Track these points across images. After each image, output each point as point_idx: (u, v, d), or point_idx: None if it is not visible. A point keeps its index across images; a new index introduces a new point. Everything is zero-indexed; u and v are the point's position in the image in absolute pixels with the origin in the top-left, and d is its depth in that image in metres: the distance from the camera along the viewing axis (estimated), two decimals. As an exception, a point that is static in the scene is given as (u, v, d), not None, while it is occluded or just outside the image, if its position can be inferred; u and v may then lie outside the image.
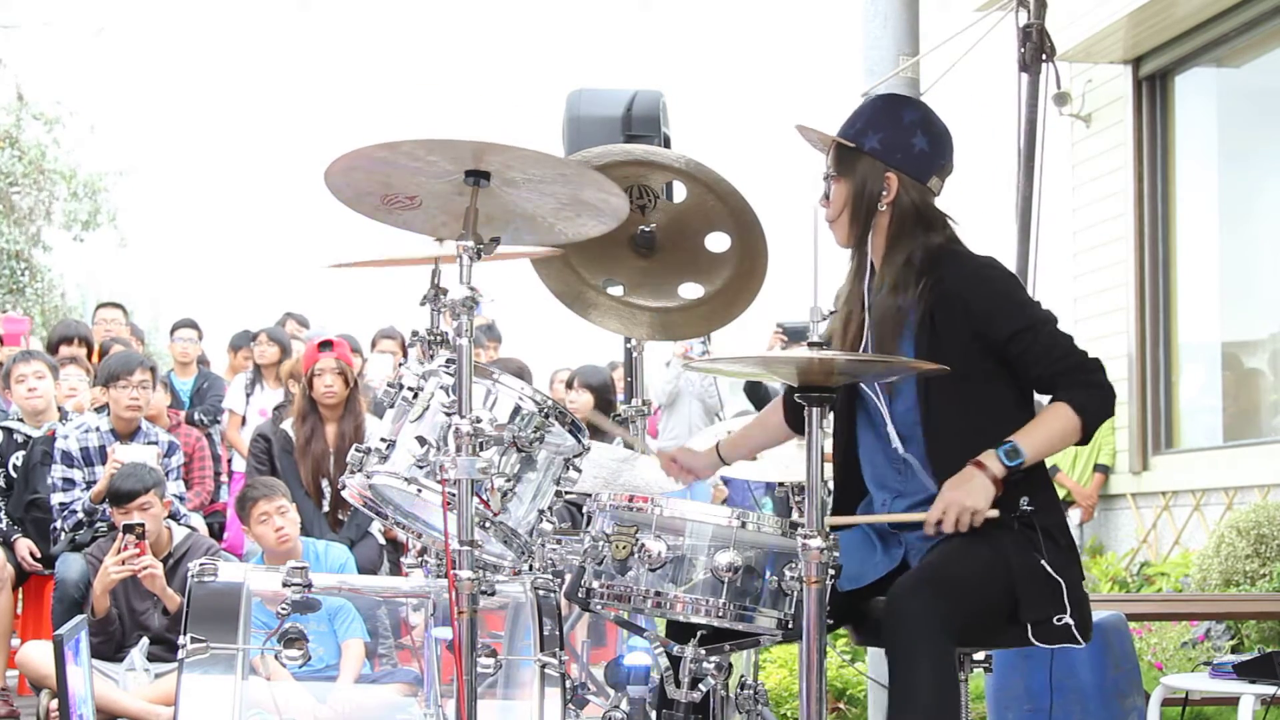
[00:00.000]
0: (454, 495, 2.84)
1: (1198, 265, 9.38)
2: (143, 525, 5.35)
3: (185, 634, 3.39)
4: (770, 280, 3.84)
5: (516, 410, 3.08)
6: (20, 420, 6.64)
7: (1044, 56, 4.62)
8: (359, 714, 4.81)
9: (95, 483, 6.16)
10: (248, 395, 8.43)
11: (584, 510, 3.20)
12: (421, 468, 3.01)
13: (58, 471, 6.23)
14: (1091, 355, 3.11)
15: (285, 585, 3.48)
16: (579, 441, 3.19)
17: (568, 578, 3.28)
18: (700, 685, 3.01)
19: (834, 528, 2.98)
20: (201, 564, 3.57)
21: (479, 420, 2.88)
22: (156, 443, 6.35)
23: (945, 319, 3.08)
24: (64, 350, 7.92)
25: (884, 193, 3.16)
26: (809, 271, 2.91)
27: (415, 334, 3.21)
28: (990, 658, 3.19)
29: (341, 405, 6.52)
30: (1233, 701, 4.71)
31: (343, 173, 2.90)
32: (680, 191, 3.88)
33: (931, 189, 3.21)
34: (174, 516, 5.99)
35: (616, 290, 3.90)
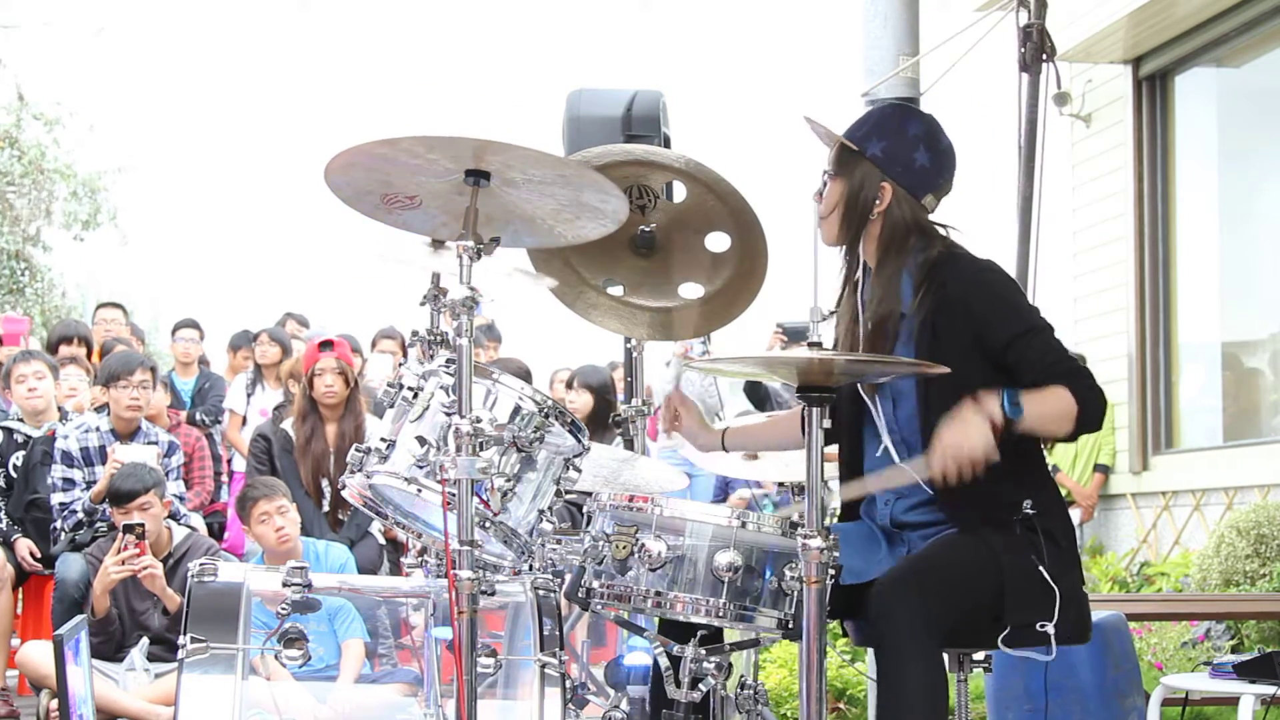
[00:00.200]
0: (454, 495, 2.84)
1: (1198, 265, 9.38)
2: (143, 525, 5.35)
3: (185, 634, 3.39)
4: (770, 280, 3.84)
5: (516, 410, 3.08)
6: (20, 420, 6.64)
7: (1044, 56, 4.62)
8: (359, 714, 4.81)
9: (95, 483, 6.16)
10: (248, 395, 8.44)
11: (584, 510, 3.20)
12: (421, 468, 3.01)
13: (58, 471, 6.24)
14: (1085, 365, 3.11)
15: (285, 585, 3.48)
16: (579, 441, 3.19)
17: (568, 578, 3.28)
18: (700, 685, 3.01)
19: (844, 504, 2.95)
20: (201, 564, 3.57)
21: (479, 420, 2.88)
22: (156, 443, 6.35)
23: (946, 323, 3.08)
24: (64, 350, 7.93)
25: (877, 201, 3.17)
26: (809, 271, 2.92)
27: (415, 334, 3.20)
28: (990, 658, 3.19)
29: (342, 405, 6.52)
30: (1233, 701, 4.71)
31: (343, 170, 2.90)
32: (680, 191, 3.88)
33: (926, 206, 3.21)
34: (174, 516, 5.99)
35: (616, 290, 3.90)
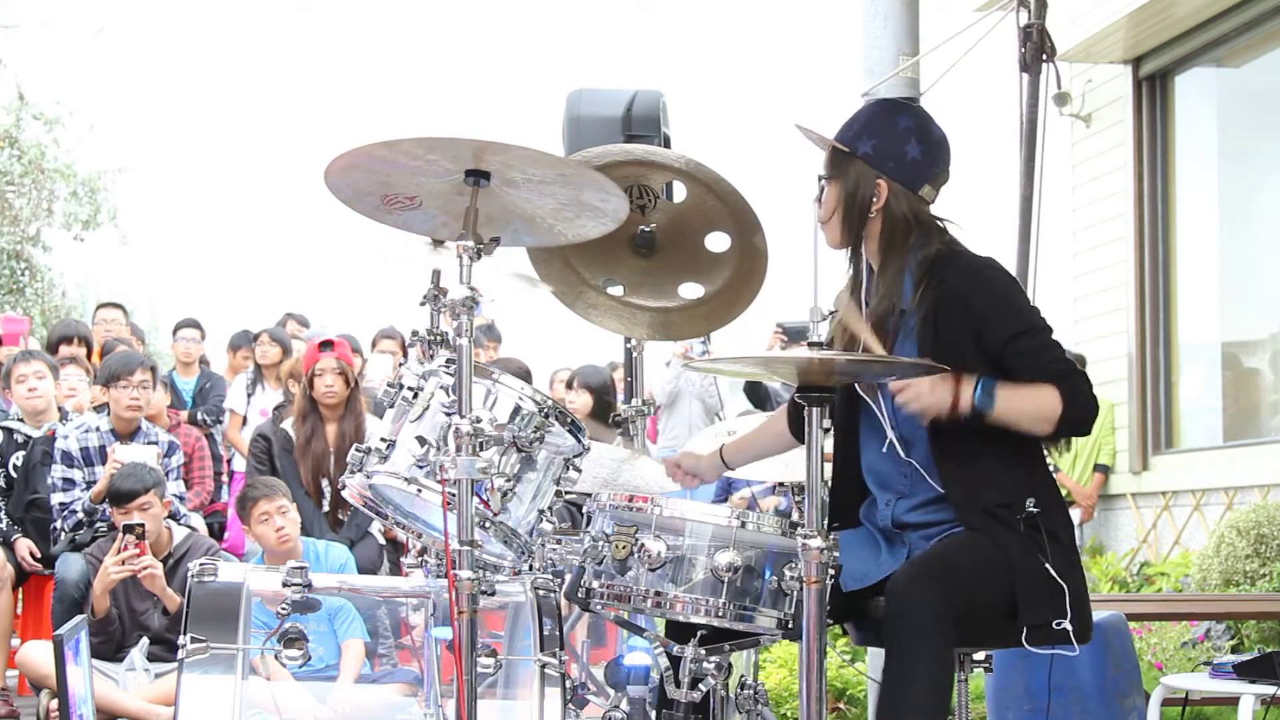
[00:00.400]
0: (454, 495, 2.84)
1: (1198, 265, 9.38)
2: (143, 525, 5.35)
3: (185, 634, 3.39)
4: (770, 280, 3.84)
5: (516, 410, 3.08)
6: (20, 420, 6.64)
7: (1044, 56, 4.62)
8: (359, 714, 4.81)
9: (95, 483, 6.16)
10: (249, 395, 8.44)
11: (584, 510, 3.20)
12: (421, 468, 3.01)
13: (58, 471, 6.24)
14: (1082, 370, 3.12)
15: (285, 585, 3.48)
16: (579, 441, 3.19)
17: (568, 578, 3.28)
18: (700, 685, 3.01)
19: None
20: (201, 564, 3.57)
21: (479, 420, 2.88)
22: (156, 443, 6.35)
23: (946, 320, 3.08)
24: (64, 350, 7.93)
25: (874, 199, 3.17)
26: (809, 271, 2.92)
27: (415, 334, 3.20)
28: (990, 658, 3.19)
29: (342, 405, 6.52)
30: (1233, 701, 4.71)
31: (342, 172, 2.90)
32: (680, 191, 3.88)
33: (924, 197, 3.20)
34: (174, 516, 5.99)
35: (616, 290, 3.90)
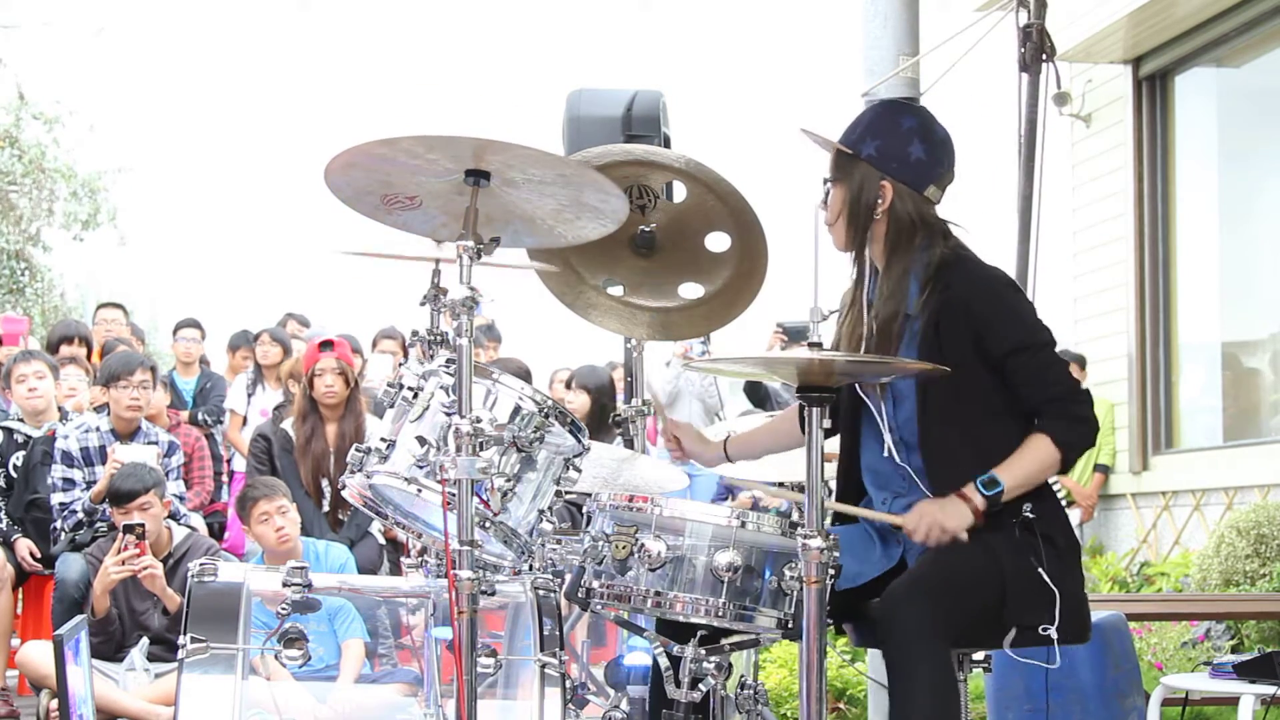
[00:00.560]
0: (454, 495, 2.84)
1: (1198, 265, 9.38)
2: (143, 525, 5.35)
3: (185, 634, 3.39)
4: (770, 280, 3.84)
5: (516, 410, 3.08)
6: (20, 420, 6.64)
7: (1044, 56, 4.62)
8: (359, 714, 4.81)
9: (95, 483, 6.16)
10: (249, 395, 8.44)
11: (584, 510, 3.20)
12: (421, 468, 3.01)
13: (58, 471, 6.23)
14: (1083, 387, 3.13)
15: (285, 585, 3.48)
16: (579, 441, 3.19)
17: (568, 578, 3.28)
18: (700, 685, 3.01)
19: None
20: (201, 564, 3.57)
21: (479, 420, 2.88)
22: (156, 443, 6.35)
23: (949, 326, 3.08)
24: (64, 350, 7.93)
25: (879, 200, 3.17)
26: (809, 271, 2.92)
27: (415, 334, 3.20)
28: (990, 658, 3.19)
29: (342, 405, 6.52)
30: (1233, 701, 4.71)
31: (342, 170, 2.89)
32: (680, 191, 3.88)
33: (929, 198, 3.20)
34: (174, 516, 5.99)
35: (616, 290, 3.90)
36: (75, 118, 18.47)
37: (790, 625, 2.94)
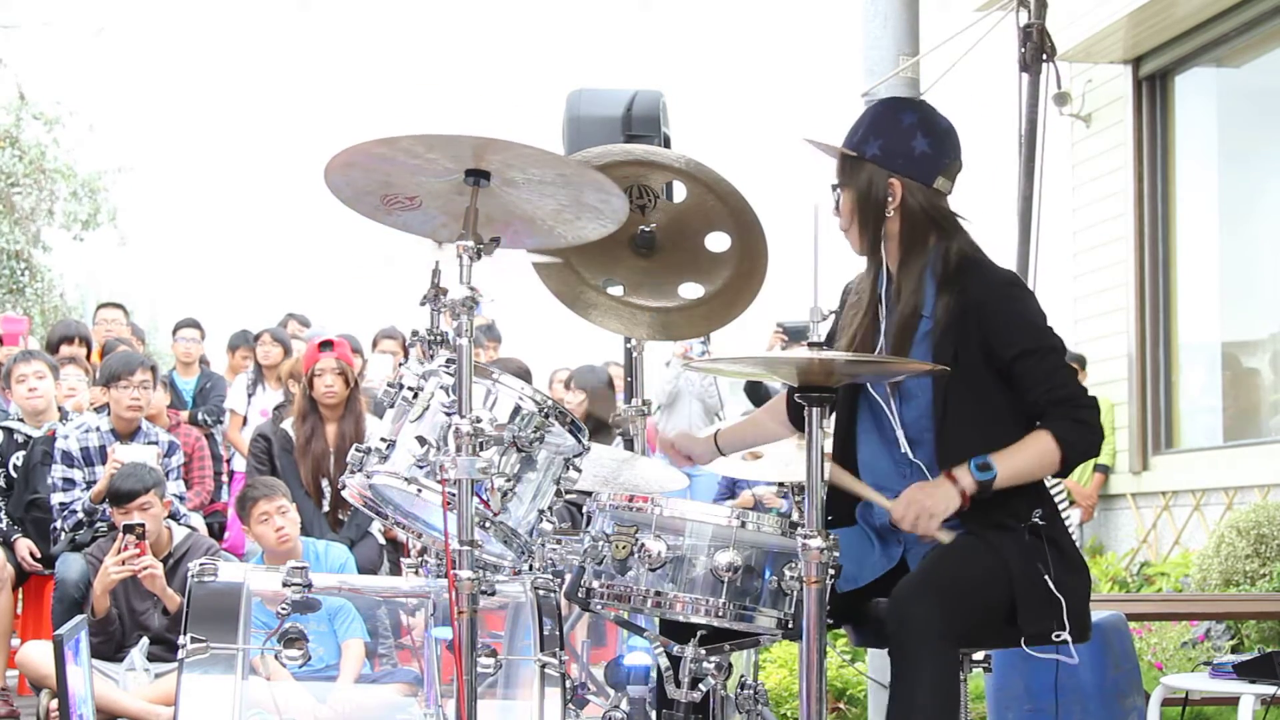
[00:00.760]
0: (454, 495, 2.84)
1: (1198, 265, 9.38)
2: (143, 525, 5.35)
3: (185, 634, 3.38)
4: (770, 280, 3.84)
5: (516, 410, 3.08)
6: (20, 420, 6.64)
7: (1044, 56, 4.62)
8: (359, 714, 4.81)
9: (95, 483, 6.16)
10: (249, 395, 8.44)
11: (584, 510, 3.20)
12: (421, 468, 3.01)
13: (58, 471, 6.24)
14: (1090, 394, 3.12)
15: (285, 585, 3.48)
16: (579, 441, 3.18)
17: (568, 578, 3.28)
18: (700, 685, 3.01)
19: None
20: (201, 564, 3.57)
21: (479, 420, 2.88)
22: (156, 443, 6.35)
23: (962, 328, 3.08)
24: (64, 350, 7.93)
25: (890, 199, 3.16)
26: (809, 271, 2.91)
27: (415, 334, 3.20)
28: (990, 657, 3.19)
29: (342, 405, 6.52)
30: (1233, 701, 4.71)
31: (342, 170, 2.89)
32: (680, 191, 3.88)
33: (939, 189, 3.20)
34: (174, 516, 5.99)
35: (616, 290, 3.90)
36: (75, 118, 18.47)
37: (790, 625, 2.94)
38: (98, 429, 6.33)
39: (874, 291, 3.24)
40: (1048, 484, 3.20)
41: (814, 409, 2.83)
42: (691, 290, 3.90)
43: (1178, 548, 8.81)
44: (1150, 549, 9.11)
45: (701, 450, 3.68)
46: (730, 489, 8.55)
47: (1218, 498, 8.67)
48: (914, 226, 3.17)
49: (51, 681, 4.76)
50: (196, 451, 6.92)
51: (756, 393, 8.84)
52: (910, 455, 3.15)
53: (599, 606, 3.03)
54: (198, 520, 6.53)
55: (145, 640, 5.43)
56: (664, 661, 3.05)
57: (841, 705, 5.85)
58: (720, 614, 2.93)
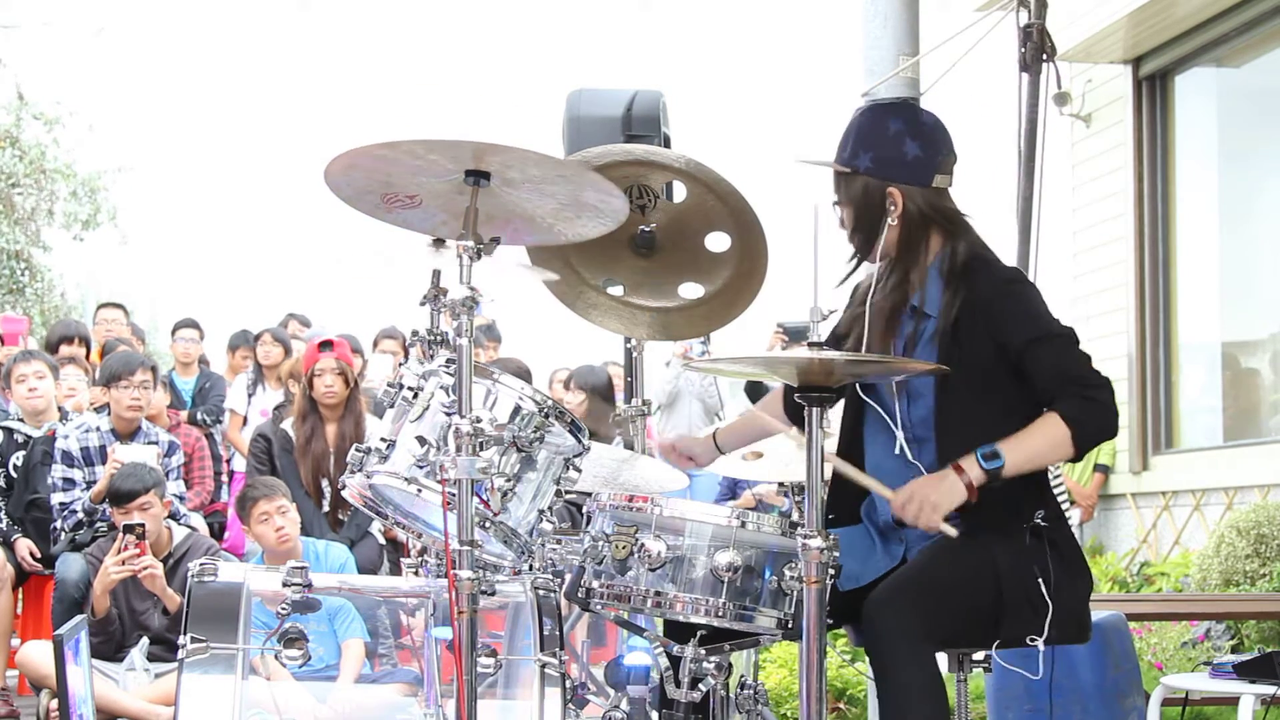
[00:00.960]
0: (454, 495, 2.84)
1: (1198, 265, 9.38)
2: (143, 525, 5.35)
3: (185, 634, 3.38)
4: (770, 280, 3.84)
5: (516, 410, 3.08)
6: (20, 420, 6.64)
7: (1044, 56, 4.62)
8: (359, 714, 4.81)
9: (95, 483, 6.16)
10: (249, 395, 8.44)
11: (584, 510, 3.20)
12: (421, 468, 3.01)
13: (58, 471, 6.24)
14: (1104, 376, 3.05)
15: (285, 585, 3.48)
16: (579, 441, 3.19)
17: (568, 578, 3.28)
18: (700, 685, 3.01)
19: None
20: (201, 564, 3.57)
21: (479, 420, 2.88)
22: (156, 443, 6.35)
23: (970, 327, 3.08)
24: (64, 350, 7.94)
25: (891, 207, 3.16)
26: (809, 271, 2.91)
27: (415, 334, 3.20)
28: (990, 657, 3.19)
29: (342, 405, 6.52)
30: (1233, 701, 4.71)
31: (343, 171, 2.90)
32: (680, 191, 3.88)
33: (939, 187, 3.20)
34: (174, 516, 5.99)
35: (616, 290, 3.90)
36: (75, 118, 18.47)
37: (790, 625, 2.94)
38: (98, 429, 6.33)
39: (869, 291, 3.24)
40: (1050, 484, 3.20)
41: (814, 409, 2.83)
42: (691, 290, 3.91)
43: (1178, 548, 8.81)
44: (1150, 549, 9.11)
45: (702, 451, 3.68)
46: (731, 489, 8.54)
47: (1218, 498, 8.67)
48: (918, 229, 3.18)
49: (51, 681, 4.76)
50: (196, 451, 6.92)
51: (756, 393, 8.81)
52: (910, 456, 3.14)
53: (599, 606, 3.03)
54: (198, 520, 6.53)
55: (145, 640, 5.43)
56: (664, 661, 3.05)
57: (841, 705, 5.85)
58: (720, 614, 2.93)
